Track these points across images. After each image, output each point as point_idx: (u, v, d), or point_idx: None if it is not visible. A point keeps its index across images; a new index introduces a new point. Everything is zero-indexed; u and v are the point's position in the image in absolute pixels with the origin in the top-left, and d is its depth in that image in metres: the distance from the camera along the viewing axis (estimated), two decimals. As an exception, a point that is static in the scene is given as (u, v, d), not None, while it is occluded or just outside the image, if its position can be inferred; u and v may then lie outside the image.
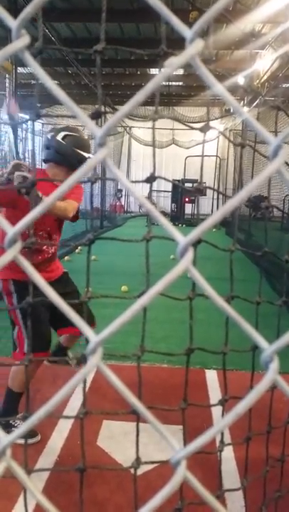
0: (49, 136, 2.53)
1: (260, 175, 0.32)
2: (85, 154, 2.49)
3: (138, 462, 0.75)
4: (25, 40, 0.36)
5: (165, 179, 0.71)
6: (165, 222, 0.35)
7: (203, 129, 0.72)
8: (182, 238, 0.34)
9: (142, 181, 0.66)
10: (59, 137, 2.47)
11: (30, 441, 2.31)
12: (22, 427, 0.37)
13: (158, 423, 0.36)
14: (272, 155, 0.32)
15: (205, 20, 0.33)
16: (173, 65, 0.34)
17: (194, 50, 0.33)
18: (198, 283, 0.35)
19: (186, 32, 0.34)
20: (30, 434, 2.35)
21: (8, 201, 2.27)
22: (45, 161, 2.54)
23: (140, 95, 0.34)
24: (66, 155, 2.44)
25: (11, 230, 0.36)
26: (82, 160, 2.45)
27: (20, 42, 0.35)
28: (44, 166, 2.59)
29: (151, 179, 0.65)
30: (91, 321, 2.64)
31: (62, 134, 2.48)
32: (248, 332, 0.34)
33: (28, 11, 0.35)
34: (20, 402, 2.48)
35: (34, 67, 0.37)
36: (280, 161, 0.32)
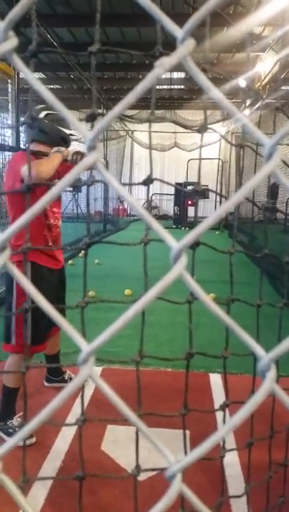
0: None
1: (255, 176, 0.31)
2: (67, 131, 2.57)
3: (138, 470, 0.74)
4: (12, 42, 0.35)
5: (162, 181, 0.70)
6: (156, 225, 0.34)
7: (201, 130, 0.71)
8: (175, 243, 0.33)
9: (139, 184, 0.66)
10: (41, 116, 2.51)
11: (27, 442, 2.32)
12: (13, 440, 0.36)
13: (151, 434, 0.35)
14: (267, 157, 0.31)
15: (196, 19, 0.32)
16: (164, 65, 0.33)
17: (186, 49, 0.32)
18: (192, 289, 0.34)
19: (177, 31, 0.33)
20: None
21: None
22: (30, 140, 2.56)
23: (130, 97, 0.33)
24: (49, 133, 2.51)
25: (4, 235, 0.35)
26: (65, 137, 2.58)
27: (8, 44, 0.34)
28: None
29: (148, 181, 0.64)
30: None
31: (44, 112, 2.51)
32: (244, 339, 0.33)
33: (16, 10, 0.34)
34: (17, 400, 2.46)
35: (22, 69, 0.36)
36: (275, 162, 0.31)
